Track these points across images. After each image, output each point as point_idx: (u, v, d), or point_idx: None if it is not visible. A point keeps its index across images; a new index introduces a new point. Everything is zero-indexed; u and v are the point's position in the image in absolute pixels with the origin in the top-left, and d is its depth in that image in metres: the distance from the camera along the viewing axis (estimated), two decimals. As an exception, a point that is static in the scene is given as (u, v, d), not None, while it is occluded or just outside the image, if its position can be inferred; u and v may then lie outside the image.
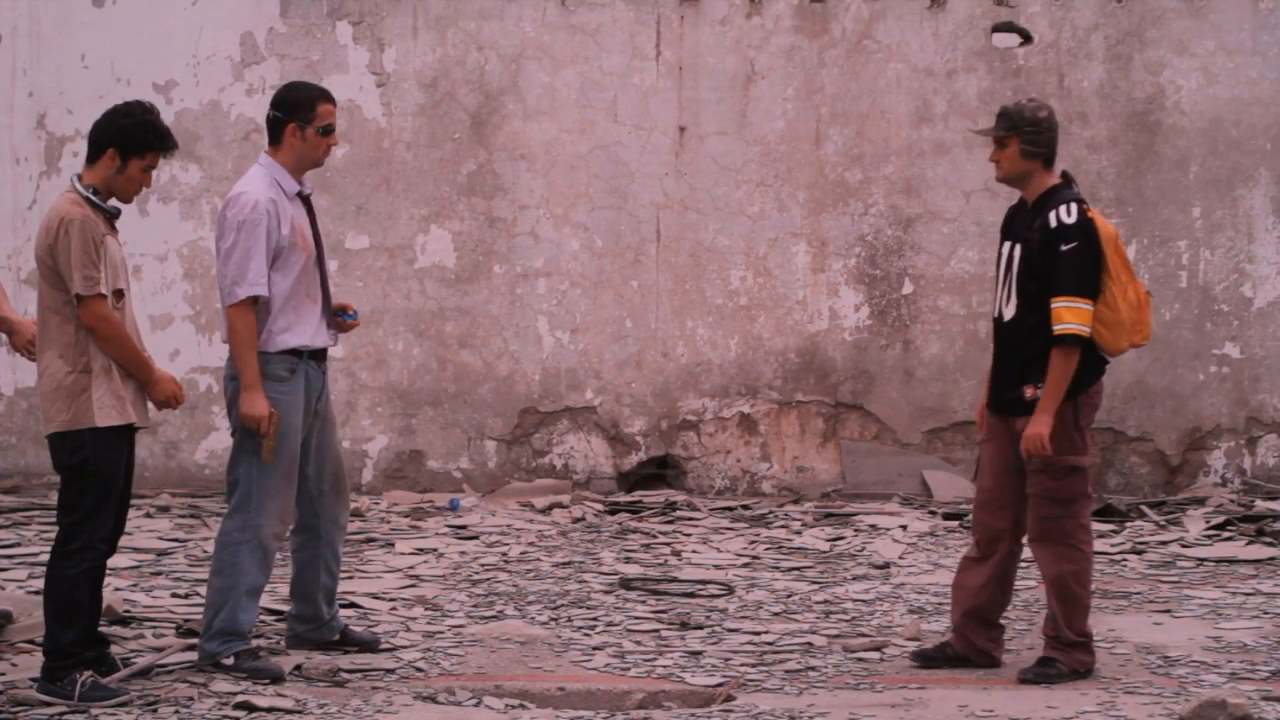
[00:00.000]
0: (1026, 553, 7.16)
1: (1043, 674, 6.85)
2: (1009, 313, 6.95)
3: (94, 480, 6.40)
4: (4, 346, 11.20)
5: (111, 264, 6.45)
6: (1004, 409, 6.98)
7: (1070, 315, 6.75)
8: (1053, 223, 6.81)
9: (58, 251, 6.39)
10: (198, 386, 11.64)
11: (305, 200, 7.11)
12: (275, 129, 7.07)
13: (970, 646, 7.07)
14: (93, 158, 6.50)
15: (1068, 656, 6.90)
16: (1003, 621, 7.21)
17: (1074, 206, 6.83)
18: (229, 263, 6.85)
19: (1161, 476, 11.64)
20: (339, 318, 7.23)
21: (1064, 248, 6.77)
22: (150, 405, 6.62)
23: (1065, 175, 7.01)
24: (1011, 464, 6.91)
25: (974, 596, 7.05)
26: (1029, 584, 8.53)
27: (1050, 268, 6.79)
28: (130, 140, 6.47)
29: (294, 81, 7.58)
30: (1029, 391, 6.84)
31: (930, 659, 7.13)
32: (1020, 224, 6.98)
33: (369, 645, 7.26)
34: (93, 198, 6.46)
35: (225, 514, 6.98)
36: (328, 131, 7.07)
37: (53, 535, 6.62)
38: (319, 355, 7.11)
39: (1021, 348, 6.89)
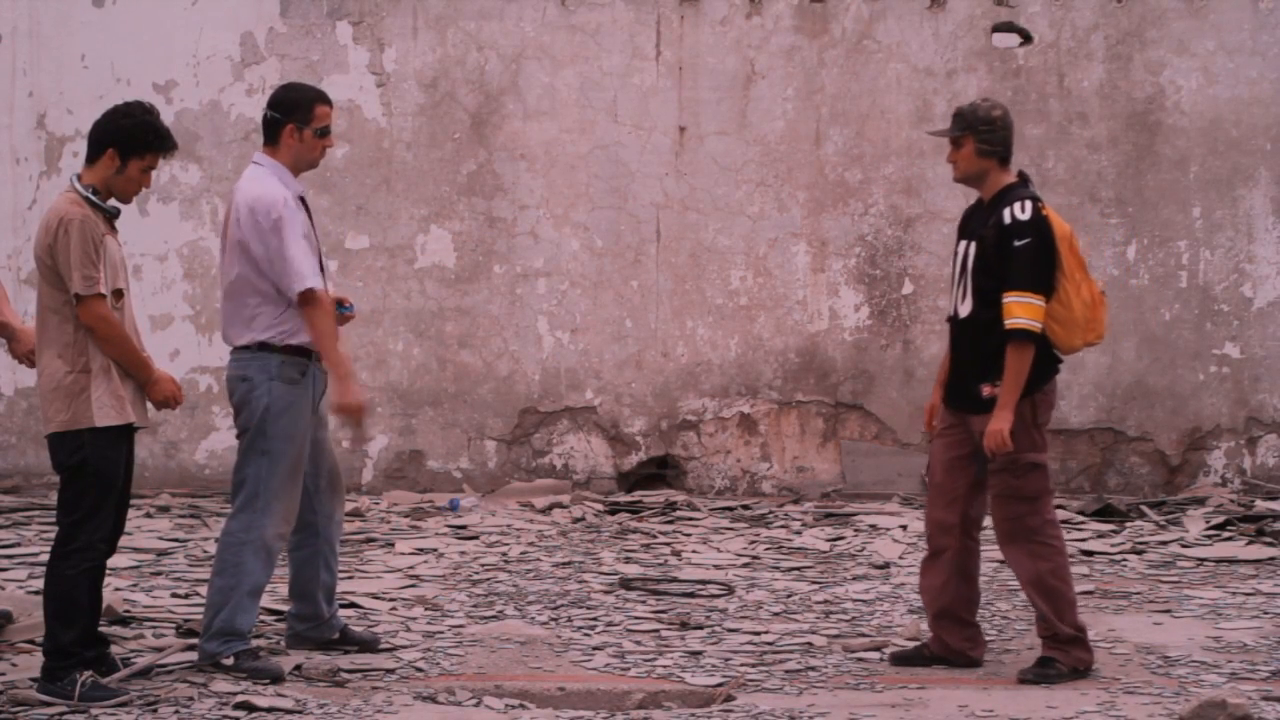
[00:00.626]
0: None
1: (1043, 674, 6.86)
2: (964, 310, 6.96)
3: (93, 480, 6.40)
4: (4, 347, 11.20)
5: (111, 264, 6.44)
6: (960, 406, 7.00)
7: (1021, 310, 6.77)
8: (1007, 219, 6.84)
9: (57, 251, 6.39)
10: (198, 386, 11.63)
11: (302, 201, 7.11)
12: (272, 129, 7.06)
13: (946, 647, 7.09)
14: (92, 158, 6.50)
15: (1067, 655, 6.90)
16: (978, 620, 7.22)
17: (1028, 204, 6.87)
18: (283, 264, 6.79)
19: (1161, 476, 11.64)
20: (337, 311, 7.23)
21: (1017, 243, 6.80)
22: (149, 405, 6.62)
23: (1022, 174, 7.06)
24: (976, 465, 6.92)
25: (940, 596, 7.07)
26: (1029, 584, 8.53)
27: (1004, 264, 6.81)
28: (130, 141, 6.47)
29: (291, 83, 7.57)
30: (986, 390, 6.85)
31: (907, 659, 7.13)
32: (976, 222, 7.01)
33: (369, 645, 7.26)
34: (92, 198, 6.46)
35: (229, 514, 6.97)
36: (325, 133, 7.07)
37: (53, 535, 6.62)
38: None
39: (978, 345, 6.90)
